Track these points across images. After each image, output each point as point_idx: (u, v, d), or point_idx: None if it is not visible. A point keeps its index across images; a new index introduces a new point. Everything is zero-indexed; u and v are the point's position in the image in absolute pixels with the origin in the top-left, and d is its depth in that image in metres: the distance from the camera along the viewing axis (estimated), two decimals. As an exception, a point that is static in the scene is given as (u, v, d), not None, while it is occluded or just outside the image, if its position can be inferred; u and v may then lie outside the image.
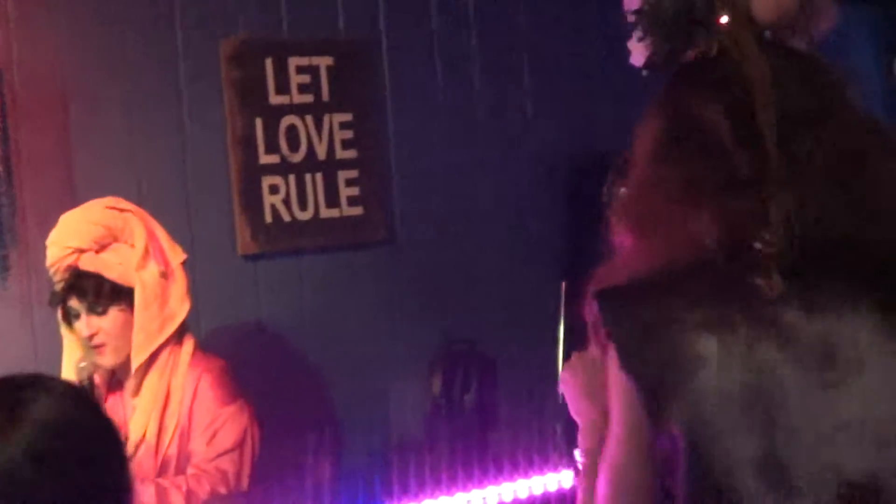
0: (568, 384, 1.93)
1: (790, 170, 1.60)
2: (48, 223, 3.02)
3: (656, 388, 1.59)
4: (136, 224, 2.98)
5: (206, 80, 3.82)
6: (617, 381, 1.64)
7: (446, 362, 3.99)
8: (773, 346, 1.57)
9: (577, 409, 1.91)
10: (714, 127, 1.65)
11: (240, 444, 2.94)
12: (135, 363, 2.93)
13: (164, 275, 2.96)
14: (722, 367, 1.57)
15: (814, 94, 1.68)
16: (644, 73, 1.75)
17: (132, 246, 2.96)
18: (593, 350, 1.89)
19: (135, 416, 2.95)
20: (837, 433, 1.55)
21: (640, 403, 1.60)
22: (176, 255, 3.03)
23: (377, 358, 4.07)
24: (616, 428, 1.65)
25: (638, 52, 1.73)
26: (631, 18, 1.73)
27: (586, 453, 1.84)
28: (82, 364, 2.91)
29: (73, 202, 3.15)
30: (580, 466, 1.86)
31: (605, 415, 1.76)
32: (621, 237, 1.74)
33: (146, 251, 2.95)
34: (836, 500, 1.54)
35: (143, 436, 2.93)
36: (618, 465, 1.64)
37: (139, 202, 3.51)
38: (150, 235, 2.98)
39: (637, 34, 1.72)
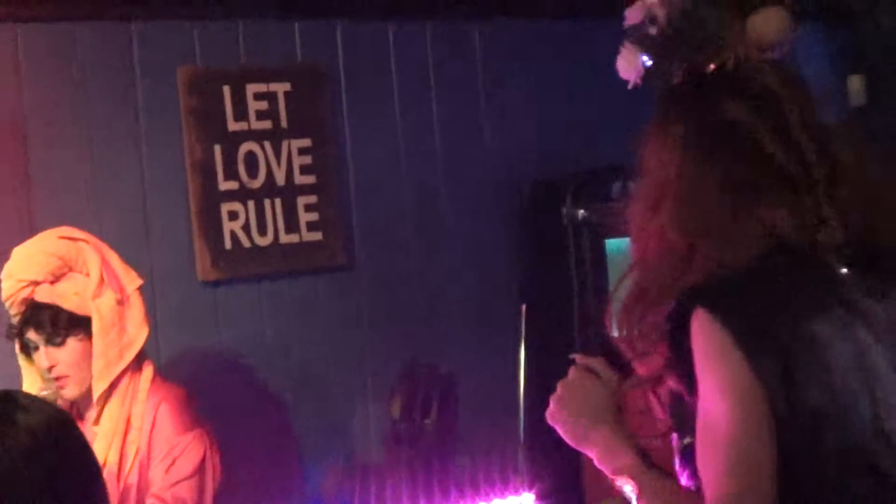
0: (564, 416, 1.91)
1: (830, 171, 1.75)
2: (7, 255, 3.01)
3: (785, 369, 1.67)
4: (90, 253, 2.98)
5: (165, 107, 3.84)
6: (728, 367, 1.67)
7: (406, 385, 4.00)
8: (863, 327, 1.72)
9: (588, 436, 1.89)
10: (752, 130, 1.76)
11: (198, 471, 2.94)
12: (96, 391, 2.93)
13: (121, 302, 2.96)
14: (837, 345, 1.70)
15: (814, 104, 1.84)
16: (630, 86, 1.84)
17: (87, 275, 2.95)
18: (575, 373, 1.92)
19: (96, 442, 2.95)
20: None
21: (760, 384, 1.66)
22: (131, 281, 3.03)
23: (337, 382, 4.08)
24: (730, 411, 1.67)
25: (630, 67, 1.82)
26: (632, 33, 1.83)
27: (631, 472, 1.83)
28: (44, 392, 2.91)
29: (33, 233, 3.15)
30: (632, 492, 1.83)
31: (624, 430, 1.84)
32: (662, 243, 1.78)
33: (101, 279, 2.95)
34: None
35: (104, 463, 2.92)
36: (738, 441, 1.66)
37: (99, 230, 3.51)
38: (105, 263, 2.98)
39: (633, 48, 1.82)
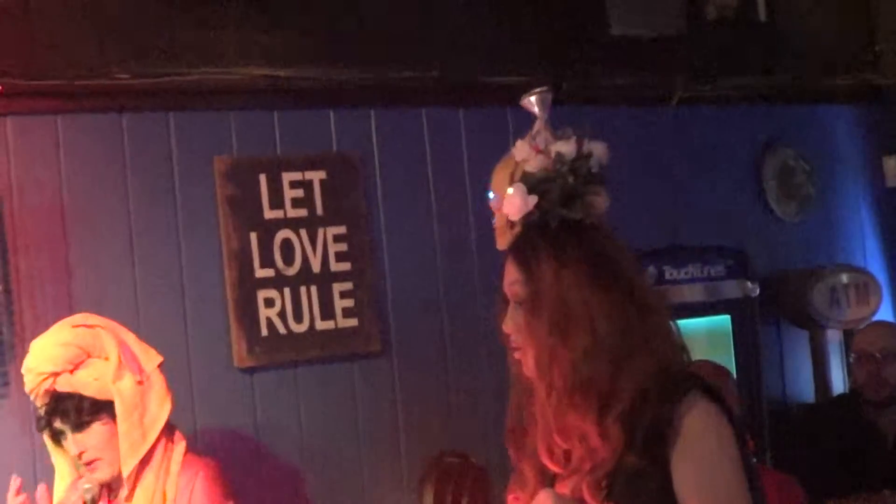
0: None
1: None
2: (48, 343, 3.04)
3: None
4: (107, 338, 3.01)
5: (201, 196, 3.89)
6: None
7: (438, 475, 3.98)
8: None
9: None
10: (624, 263, 2.13)
11: None
12: (125, 471, 2.97)
13: (140, 382, 3.00)
14: None
15: None
16: (516, 223, 2.16)
17: (106, 359, 2.99)
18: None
19: None
20: None
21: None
22: (150, 360, 3.06)
23: (371, 470, 4.07)
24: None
25: (523, 204, 2.15)
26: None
27: None
28: (87, 486, 2.93)
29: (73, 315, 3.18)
30: None
31: None
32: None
33: (120, 362, 2.99)
34: None
35: None
36: None
37: (136, 318, 3.56)
38: (122, 346, 3.02)
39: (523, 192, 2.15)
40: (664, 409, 2.03)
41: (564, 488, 2.11)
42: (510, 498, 2.21)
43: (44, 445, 3.10)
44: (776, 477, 3.75)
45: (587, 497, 2.05)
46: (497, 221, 2.25)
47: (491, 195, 2.27)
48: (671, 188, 4.80)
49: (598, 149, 2.20)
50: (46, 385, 2.96)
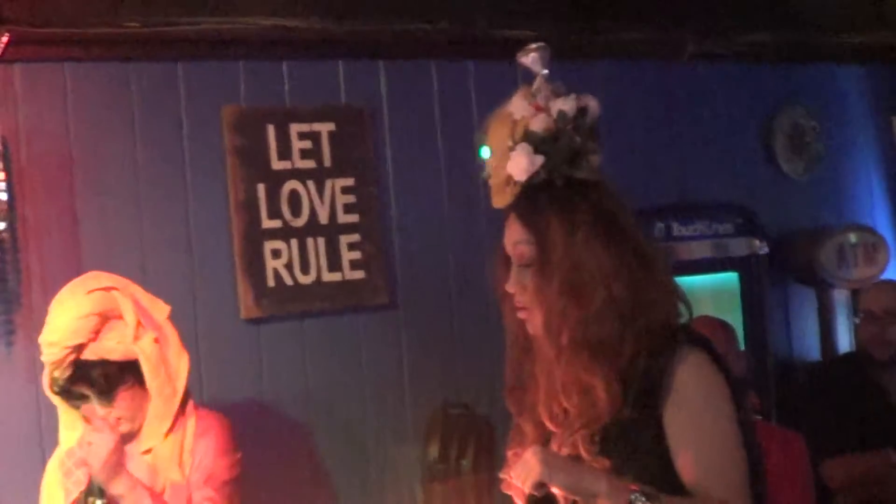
0: (560, 473, 2.04)
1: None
2: (54, 290, 3.04)
3: None
4: (122, 299, 2.99)
5: (209, 146, 3.88)
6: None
7: (443, 426, 3.99)
8: None
9: (589, 481, 2.04)
10: (628, 221, 2.16)
11: (231, 483, 3.01)
12: (162, 428, 2.97)
13: (157, 340, 2.99)
14: None
15: None
16: (517, 182, 2.17)
17: (122, 318, 2.98)
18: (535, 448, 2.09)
19: (158, 467, 2.97)
20: None
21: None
22: (160, 311, 3.05)
23: (376, 421, 4.09)
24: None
25: (529, 164, 2.14)
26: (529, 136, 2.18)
27: (645, 495, 2.01)
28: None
29: (79, 269, 3.18)
30: None
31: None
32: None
33: (138, 322, 2.97)
34: None
35: (168, 484, 2.97)
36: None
37: (142, 268, 3.56)
38: (136, 304, 3.01)
39: (527, 148, 2.15)
40: (657, 362, 2.05)
41: (560, 445, 2.12)
42: (510, 454, 2.22)
43: (48, 398, 3.09)
44: (781, 433, 3.77)
45: (582, 451, 2.07)
46: (494, 179, 2.23)
47: (486, 152, 2.25)
48: (680, 145, 4.79)
49: (592, 104, 2.19)
50: (72, 357, 2.95)
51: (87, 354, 2.93)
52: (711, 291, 4.67)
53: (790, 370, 4.92)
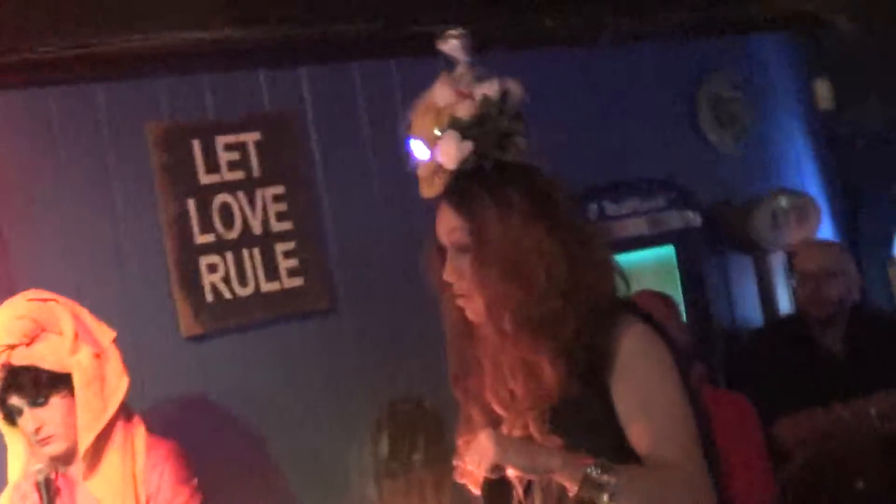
0: (514, 453, 2.05)
1: None
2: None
3: None
4: (61, 311, 2.98)
5: (135, 165, 3.84)
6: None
7: (391, 424, 4.00)
8: None
9: (544, 458, 2.04)
10: (562, 200, 2.18)
11: None
12: (83, 444, 2.93)
13: (98, 355, 2.96)
14: None
15: None
16: (446, 170, 2.17)
17: (60, 333, 2.95)
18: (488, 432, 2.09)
19: (100, 496, 2.93)
20: None
21: None
22: (105, 335, 3.04)
23: (328, 425, 4.07)
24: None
25: (458, 151, 2.15)
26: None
27: (603, 469, 2.01)
28: (38, 466, 2.87)
29: (12, 295, 3.14)
30: (609, 484, 1.98)
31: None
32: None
33: (76, 335, 2.95)
34: None
35: None
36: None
37: (77, 291, 3.51)
38: (77, 320, 2.99)
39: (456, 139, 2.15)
40: (601, 337, 2.07)
41: (511, 428, 2.13)
42: (460, 441, 2.22)
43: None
44: (726, 395, 3.82)
45: (533, 431, 2.07)
46: (422, 170, 2.23)
47: (414, 143, 2.24)
48: (608, 126, 4.81)
49: (515, 87, 2.20)
50: (2, 359, 2.92)
51: (18, 359, 2.91)
52: (650, 267, 4.71)
53: (734, 337, 4.97)
